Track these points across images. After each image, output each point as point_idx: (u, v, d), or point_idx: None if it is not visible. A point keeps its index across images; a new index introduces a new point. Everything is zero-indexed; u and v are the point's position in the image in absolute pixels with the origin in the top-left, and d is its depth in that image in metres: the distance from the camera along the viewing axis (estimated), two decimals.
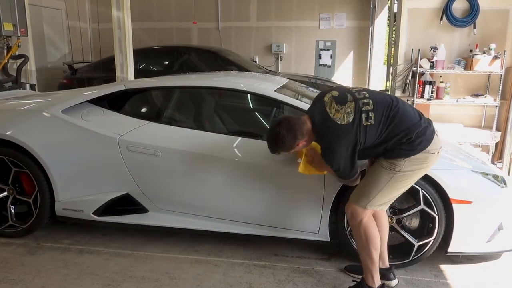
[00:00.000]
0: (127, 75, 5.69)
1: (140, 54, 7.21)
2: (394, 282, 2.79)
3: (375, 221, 2.60)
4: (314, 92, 4.21)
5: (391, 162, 2.41)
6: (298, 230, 3.07)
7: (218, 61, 7.55)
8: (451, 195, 2.82)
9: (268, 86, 3.38)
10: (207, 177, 3.14)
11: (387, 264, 2.81)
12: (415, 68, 5.46)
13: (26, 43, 6.63)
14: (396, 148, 2.37)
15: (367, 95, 2.44)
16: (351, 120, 2.34)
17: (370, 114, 2.36)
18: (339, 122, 2.34)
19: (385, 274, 2.76)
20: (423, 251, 2.94)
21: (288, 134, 2.37)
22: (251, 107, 3.66)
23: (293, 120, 2.41)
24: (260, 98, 3.41)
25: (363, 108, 2.37)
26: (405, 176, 2.42)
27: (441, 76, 5.46)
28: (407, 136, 2.35)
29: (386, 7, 8.98)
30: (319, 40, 9.57)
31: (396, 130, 2.36)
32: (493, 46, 5.21)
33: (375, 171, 2.47)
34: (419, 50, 5.47)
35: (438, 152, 2.46)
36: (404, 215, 2.96)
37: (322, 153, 2.47)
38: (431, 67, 5.35)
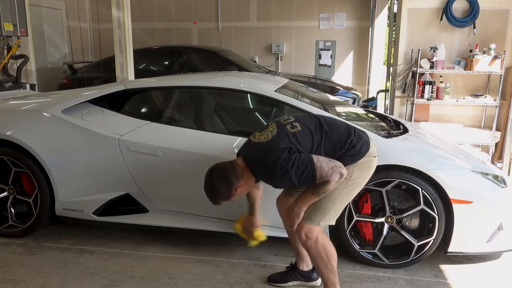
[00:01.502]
0: (127, 75, 5.69)
1: (140, 54, 7.21)
2: (318, 282, 2.78)
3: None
4: (314, 92, 4.22)
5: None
6: None
7: (218, 61, 7.56)
8: (451, 195, 2.82)
9: (268, 86, 3.38)
10: None
11: (310, 265, 2.79)
12: (415, 68, 5.46)
13: (26, 43, 6.64)
14: (343, 156, 2.32)
15: (290, 116, 2.47)
16: (275, 133, 2.31)
17: (294, 123, 2.36)
18: (264, 141, 2.30)
19: (309, 276, 2.78)
20: (423, 251, 2.94)
21: (221, 181, 2.25)
22: (251, 107, 3.66)
23: (223, 166, 2.30)
24: (260, 98, 3.41)
25: (285, 122, 2.37)
26: (355, 183, 2.38)
27: (441, 76, 5.46)
28: (349, 138, 2.34)
29: (386, 7, 8.98)
30: (319, 40, 9.57)
31: (337, 137, 2.34)
32: (493, 46, 5.21)
33: None
34: (419, 50, 5.47)
35: (376, 156, 2.45)
36: (404, 215, 2.96)
37: (270, 179, 2.32)
38: (431, 67, 5.35)
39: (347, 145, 2.32)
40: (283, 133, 2.30)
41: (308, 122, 2.39)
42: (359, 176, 2.38)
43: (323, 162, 2.21)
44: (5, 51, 6.39)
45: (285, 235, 3.09)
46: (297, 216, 2.45)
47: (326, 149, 2.32)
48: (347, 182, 2.34)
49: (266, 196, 3.07)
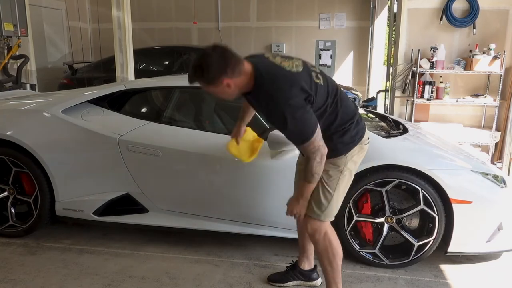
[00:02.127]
0: (127, 75, 5.69)
1: (140, 54, 7.22)
2: (319, 281, 2.78)
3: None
4: None
5: (333, 162, 2.25)
6: None
7: None
8: (451, 195, 2.82)
9: None
10: (207, 177, 3.14)
11: (312, 264, 2.78)
12: (415, 68, 5.46)
13: (27, 43, 6.64)
14: (337, 143, 2.23)
15: (315, 67, 2.30)
16: (301, 70, 2.10)
17: (319, 75, 2.18)
18: (288, 69, 2.06)
19: (309, 275, 2.77)
20: (423, 251, 2.94)
21: (218, 61, 1.96)
22: None
23: (230, 52, 2.01)
24: None
25: (311, 68, 2.19)
26: (349, 172, 2.31)
27: (441, 76, 5.46)
28: (351, 120, 2.25)
29: (386, 7, 8.98)
30: (319, 40, 9.57)
31: (344, 112, 2.22)
32: (492, 46, 5.21)
33: (322, 179, 2.27)
34: (419, 50, 5.47)
35: (368, 143, 2.39)
36: (404, 215, 2.96)
37: (266, 108, 2.07)
38: (431, 67, 5.35)
39: (345, 126, 2.23)
40: (308, 75, 2.11)
41: (329, 82, 2.23)
42: (352, 163, 2.30)
43: (318, 136, 2.08)
44: (5, 51, 6.39)
45: (285, 235, 3.10)
46: (297, 209, 2.33)
47: (329, 118, 2.19)
48: (342, 172, 2.27)
49: (266, 200, 3.07)
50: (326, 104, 2.17)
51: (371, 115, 3.94)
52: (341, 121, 2.23)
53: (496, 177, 3.03)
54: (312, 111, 2.08)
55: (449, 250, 2.93)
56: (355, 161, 2.33)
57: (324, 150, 2.12)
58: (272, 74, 2.04)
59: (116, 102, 3.48)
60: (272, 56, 2.17)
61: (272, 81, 2.03)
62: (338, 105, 2.22)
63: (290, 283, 2.79)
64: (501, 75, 5.23)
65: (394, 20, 7.78)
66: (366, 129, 2.40)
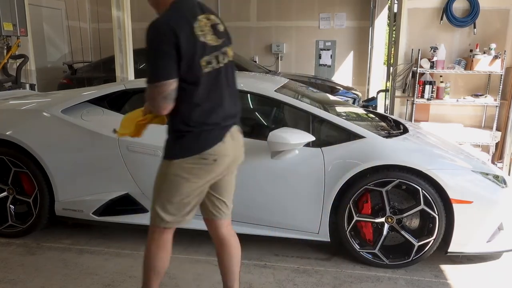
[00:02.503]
0: (127, 75, 5.69)
1: (140, 54, 7.19)
2: None
3: (221, 248, 2.41)
4: (314, 92, 4.22)
5: (164, 163, 2.03)
6: (298, 230, 3.07)
7: None
8: (451, 195, 2.82)
9: (268, 86, 3.38)
10: None
11: None
12: (415, 68, 5.46)
13: (26, 43, 6.64)
14: (175, 144, 2.00)
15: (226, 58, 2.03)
16: (209, 42, 1.90)
17: (217, 63, 1.95)
18: (197, 27, 1.86)
19: None
20: (423, 251, 2.94)
21: None
22: (251, 107, 3.66)
23: None
24: (260, 98, 3.41)
25: (220, 53, 1.97)
26: (178, 181, 2.01)
27: (441, 76, 5.46)
28: (200, 126, 1.95)
29: (386, 7, 8.99)
30: (319, 40, 9.58)
31: (204, 108, 1.95)
32: (493, 46, 5.21)
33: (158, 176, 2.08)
34: (419, 50, 5.47)
35: (215, 160, 2.00)
36: (404, 215, 2.96)
37: (146, 34, 1.84)
38: (431, 67, 5.34)
39: (187, 126, 1.94)
40: (203, 50, 1.88)
41: (222, 77, 2.01)
42: (183, 171, 1.98)
43: (163, 90, 1.83)
44: (5, 51, 6.39)
45: (285, 235, 3.09)
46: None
47: (184, 101, 1.90)
48: (166, 176, 2.01)
49: (266, 200, 3.07)
50: (190, 84, 1.89)
51: (371, 115, 3.93)
52: (191, 111, 1.93)
53: (496, 177, 3.03)
54: (176, 67, 1.83)
55: (449, 250, 2.93)
56: (195, 173, 1.99)
57: (156, 109, 1.90)
58: (177, 12, 1.88)
59: (116, 102, 3.48)
60: (206, 18, 1.96)
61: (171, 12, 1.87)
62: (204, 99, 1.93)
63: None
64: (501, 75, 5.23)
65: (394, 20, 7.78)
66: (221, 146, 2.03)
